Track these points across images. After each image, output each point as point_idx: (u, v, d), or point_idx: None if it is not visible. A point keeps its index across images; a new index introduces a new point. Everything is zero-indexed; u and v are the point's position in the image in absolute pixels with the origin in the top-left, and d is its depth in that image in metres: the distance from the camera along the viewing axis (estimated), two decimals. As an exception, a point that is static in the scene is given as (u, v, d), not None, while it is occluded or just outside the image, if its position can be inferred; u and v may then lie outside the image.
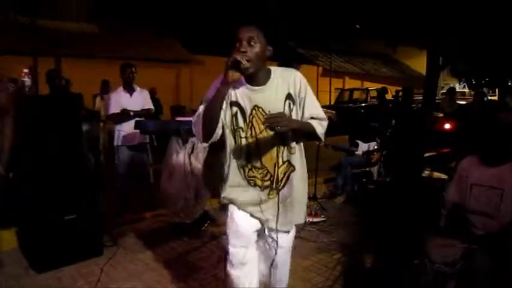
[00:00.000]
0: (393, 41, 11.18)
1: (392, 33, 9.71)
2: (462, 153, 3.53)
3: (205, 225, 4.08)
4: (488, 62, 8.73)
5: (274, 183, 1.96)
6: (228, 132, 1.93)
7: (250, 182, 1.97)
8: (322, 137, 1.92)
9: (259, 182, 1.97)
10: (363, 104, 15.03)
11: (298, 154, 1.99)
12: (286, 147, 1.94)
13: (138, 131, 4.16)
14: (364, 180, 5.37)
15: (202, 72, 13.09)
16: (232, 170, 1.98)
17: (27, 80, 3.49)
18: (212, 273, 3.18)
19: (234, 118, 1.91)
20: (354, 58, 22.56)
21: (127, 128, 4.32)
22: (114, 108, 4.39)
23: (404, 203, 3.75)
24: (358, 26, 15.27)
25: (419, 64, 21.53)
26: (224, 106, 1.87)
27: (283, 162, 1.95)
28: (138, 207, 4.75)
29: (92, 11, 12.56)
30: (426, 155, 5.54)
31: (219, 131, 1.87)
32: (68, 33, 12.11)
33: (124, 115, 4.33)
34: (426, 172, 4.45)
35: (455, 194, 2.50)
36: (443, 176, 4.23)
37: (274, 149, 1.92)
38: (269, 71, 1.90)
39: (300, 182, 2.02)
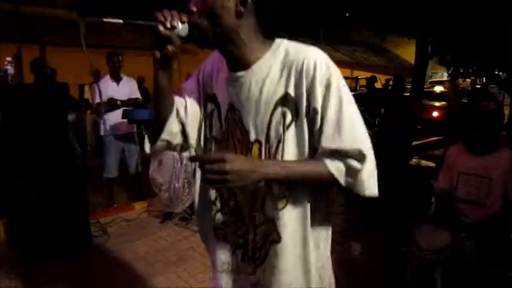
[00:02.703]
0: (382, 30, 11.19)
1: (381, 23, 9.71)
2: (449, 141, 3.57)
3: (194, 214, 4.07)
4: (475, 52, 8.80)
5: (250, 250, 1.15)
6: (194, 142, 1.22)
7: (218, 231, 1.20)
8: (353, 186, 1.05)
9: (229, 236, 1.19)
10: (353, 93, 15.07)
11: (292, 213, 1.09)
12: (268, 194, 1.10)
13: (125, 120, 4.10)
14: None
15: (193, 60, 12.96)
16: (200, 203, 1.27)
17: (10, 69, 3.40)
18: (202, 262, 3.18)
19: (207, 121, 1.21)
20: (343, 47, 22.54)
21: (114, 117, 4.26)
22: (101, 98, 4.32)
23: (393, 192, 3.78)
24: (347, 15, 15.24)
25: (408, 53, 21.63)
26: (192, 101, 1.20)
27: (265, 221, 1.11)
28: (127, 196, 4.72)
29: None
30: (414, 143, 5.59)
31: (165, 138, 1.17)
32: (53, 20, 11.83)
33: (111, 104, 4.27)
34: (414, 160, 4.49)
35: (444, 182, 2.52)
36: (431, 164, 4.27)
37: (251, 192, 1.12)
38: (268, 46, 1.10)
39: (291, 267, 1.12)
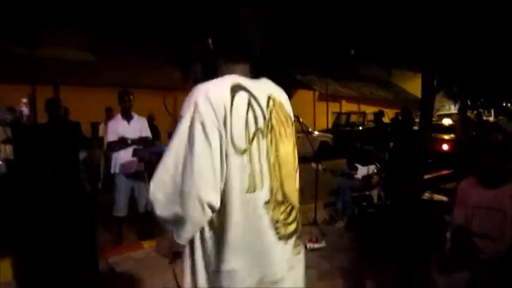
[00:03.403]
0: (387, 64, 11.38)
1: (387, 58, 9.88)
2: (460, 174, 3.53)
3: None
4: (482, 84, 8.85)
5: (298, 230, 1.28)
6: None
7: (277, 231, 1.20)
8: None
9: (281, 230, 1.21)
10: (360, 128, 15.13)
11: None
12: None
13: (135, 158, 4.14)
14: (364, 204, 5.32)
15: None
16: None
17: (25, 110, 3.49)
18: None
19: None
20: (350, 82, 22.83)
21: (124, 155, 4.30)
22: (112, 136, 4.39)
23: (406, 227, 3.70)
24: (352, 52, 15.57)
25: (414, 87, 21.81)
26: None
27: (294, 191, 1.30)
28: (136, 235, 4.68)
29: (89, 39, 12.76)
30: (426, 177, 5.53)
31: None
32: (65, 61, 12.25)
33: (121, 143, 4.32)
34: (427, 195, 4.43)
35: (458, 217, 2.47)
36: (444, 198, 4.20)
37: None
38: None
39: None
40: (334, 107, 20.26)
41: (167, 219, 1.11)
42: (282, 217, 1.19)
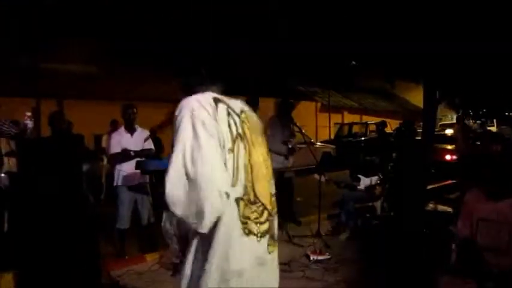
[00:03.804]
0: (390, 76, 11.40)
1: (389, 69, 9.91)
2: (462, 184, 3.50)
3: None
4: (484, 94, 8.86)
5: (274, 229, 1.44)
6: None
7: (244, 227, 1.32)
8: None
9: (254, 228, 1.34)
10: (363, 138, 15.11)
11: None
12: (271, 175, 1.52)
13: (138, 171, 4.14)
14: (368, 215, 5.29)
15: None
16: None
17: (29, 123, 3.50)
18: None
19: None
20: (352, 93, 22.91)
21: (127, 168, 4.30)
22: (115, 148, 4.40)
23: (411, 239, 3.67)
24: (354, 63, 15.63)
25: (417, 98, 21.84)
26: None
27: (272, 195, 1.47)
28: (138, 248, 4.65)
29: (93, 53, 12.88)
30: (429, 187, 5.50)
31: None
32: (69, 74, 12.36)
33: (124, 155, 4.33)
34: (430, 205, 4.40)
35: (464, 229, 2.45)
36: (448, 209, 4.17)
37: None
38: None
39: None
40: (336, 118, 20.30)
41: (188, 214, 1.21)
42: (253, 216, 1.32)
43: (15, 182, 3.62)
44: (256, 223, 1.33)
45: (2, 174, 6.07)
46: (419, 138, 8.09)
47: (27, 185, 3.32)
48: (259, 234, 1.34)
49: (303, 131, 5.59)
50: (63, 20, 10.93)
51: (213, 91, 1.40)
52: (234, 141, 1.29)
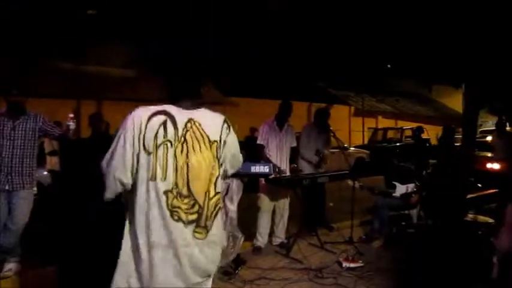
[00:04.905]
0: (427, 80, 11.08)
1: (426, 73, 9.63)
2: (507, 195, 3.34)
3: (239, 268, 3.99)
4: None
5: (203, 221, 1.69)
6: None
7: (173, 214, 1.63)
8: None
9: (183, 216, 1.65)
10: (398, 144, 14.74)
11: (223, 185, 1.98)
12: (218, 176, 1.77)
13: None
14: (403, 223, 5.14)
15: (236, 113, 13.34)
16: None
17: (72, 124, 3.65)
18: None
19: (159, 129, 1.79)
20: (386, 97, 22.41)
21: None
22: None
23: (449, 250, 3.54)
24: (389, 66, 15.29)
25: (455, 102, 21.10)
26: None
27: (215, 194, 1.73)
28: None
29: (130, 57, 13.30)
30: (469, 196, 5.28)
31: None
32: (108, 77, 12.83)
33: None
34: (470, 215, 4.22)
35: (506, 242, 2.33)
36: (490, 220, 3.99)
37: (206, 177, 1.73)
38: None
39: (221, 222, 1.87)
40: (370, 123, 19.92)
41: (104, 183, 1.68)
42: (184, 206, 1.63)
43: (57, 180, 3.79)
44: (185, 213, 1.63)
45: (45, 172, 6.38)
46: (459, 144, 7.80)
47: (68, 183, 3.45)
48: (186, 222, 1.64)
49: (336, 135, 5.52)
50: (103, 25, 11.36)
51: (180, 102, 1.72)
52: (157, 146, 1.61)
